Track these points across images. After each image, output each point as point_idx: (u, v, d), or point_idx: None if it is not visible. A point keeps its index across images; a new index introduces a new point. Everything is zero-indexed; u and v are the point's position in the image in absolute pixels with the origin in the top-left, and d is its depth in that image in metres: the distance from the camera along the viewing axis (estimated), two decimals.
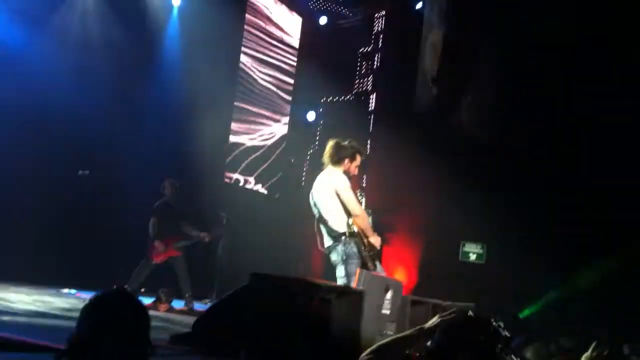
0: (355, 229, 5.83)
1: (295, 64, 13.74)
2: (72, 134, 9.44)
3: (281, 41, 13.42)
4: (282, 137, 13.58)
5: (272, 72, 13.26)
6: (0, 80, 8.95)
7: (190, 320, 6.61)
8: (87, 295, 7.70)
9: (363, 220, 5.90)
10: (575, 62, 10.78)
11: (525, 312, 10.56)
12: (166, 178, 9.25)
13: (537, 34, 11.10)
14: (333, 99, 13.89)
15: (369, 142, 13.27)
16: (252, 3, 12.73)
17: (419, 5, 13.36)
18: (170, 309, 8.40)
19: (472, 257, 12.00)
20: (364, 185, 12.26)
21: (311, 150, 13.59)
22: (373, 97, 13.99)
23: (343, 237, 5.85)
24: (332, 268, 6.03)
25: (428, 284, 10.90)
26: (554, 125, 11.17)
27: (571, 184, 10.65)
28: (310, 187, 6.24)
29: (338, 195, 5.91)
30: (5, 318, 5.32)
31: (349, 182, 6.03)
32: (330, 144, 6.23)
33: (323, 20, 13.84)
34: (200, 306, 9.02)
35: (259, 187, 13.00)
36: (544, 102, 11.28)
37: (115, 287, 2.44)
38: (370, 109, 13.87)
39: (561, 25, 10.69)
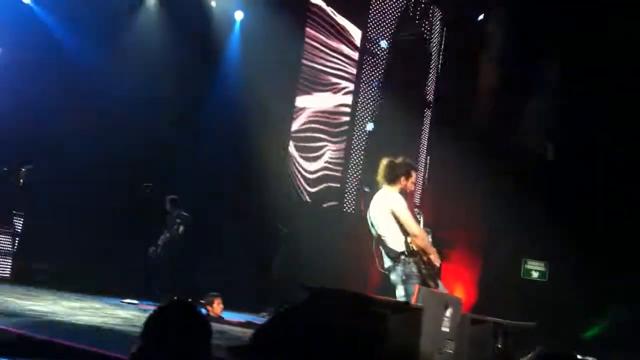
0: (414, 248, 5.75)
1: (355, 75, 13.71)
2: (136, 146, 9.68)
3: (341, 53, 13.44)
4: (341, 151, 13.53)
5: (333, 83, 13.26)
6: (68, 97, 9.25)
7: (245, 332, 6.67)
8: (148, 306, 7.87)
9: (422, 239, 5.83)
10: None
11: (590, 333, 10.24)
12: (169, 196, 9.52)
13: (603, 41, 10.83)
14: (392, 110, 13.79)
15: (427, 156, 13.15)
16: (313, 16, 12.80)
17: (480, 17, 13.20)
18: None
19: (535, 274, 11.73)
20: (418, 203, 12.12)
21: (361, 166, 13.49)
22: (432, 109, 13.88)
23: (402, 257, 5.78)
24: (389, 287, 5.96)
25: (488, 302, 10.69)
26: (621, 139, 10.85)
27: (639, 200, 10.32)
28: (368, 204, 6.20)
29: (395, 216, 5.86)
30: (70, 327, 5.44)
31: (405, 202, 5.96)
32: (384, 162, 6.17)
33: (384, 44, 13.81)
34: (256, 319, 9.05)
35: (318, 200, 13.00)
36: (610, 114, 10.98)
37: (176, 298, 2.45)
38: (428, 121, 13.74)
39: (629, 31, 10.39)
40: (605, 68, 11.04)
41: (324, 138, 13.12)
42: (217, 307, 8.38)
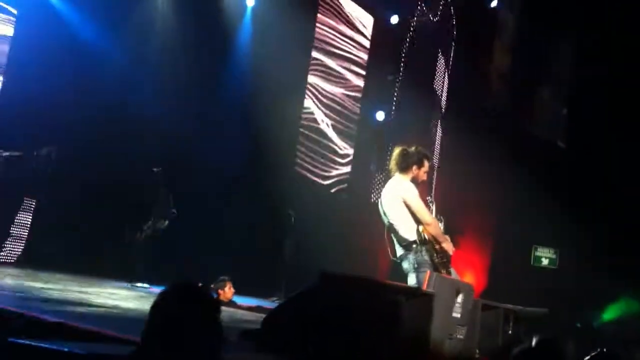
0: (426, 236, 5.75)
1: (366, 62, 13.67)
2: (146, 132, 9.72)
3: (352, 39, 13.39)
4: (352, 139, 13.52)
5: (343, 71, 13.23)
6: (78, 80, 9.28)
7: (256, 317, 6.70)
8: (159, 290, 7.91)
9: (434, 228, 5.82)
10: None
11: (600, 320, 10.24)
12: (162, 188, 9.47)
13: (620, 29, 10.73)
14: (403, 98, 13.76)
15: (438, 142, 13.11)
16: (324, 2, 12.74)
17: (493, 4, 13.06)
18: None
19: (545, 261, 11.73)
20: (433, 190, 12.11)
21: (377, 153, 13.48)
22: (444, 97, 13.83)
23: (414, 246, 5.78)
24: (400, 274, 5.97)
25: (498, 288, 10.69)
26: (633, 126, 10.79)
27: None
28: (379, 192, 6.20)
29: (407, 204, 5.85)
30: (83, 310, 5.49)
31: (416, 190, 5.95)
32: (397, 151, 6.15)
33: (394, 19, 13.71)
34: (266, 303, 9.09)
35: (328, 186, 13.01)
36: (624, 102, 10.91)
37: (184, 280, 2.43)
38: (441, 109, 13.70)
39: None
40: (619, 56, 10.95)
41: (334, 124, 13.10)
42: (228, 291, 8.42)
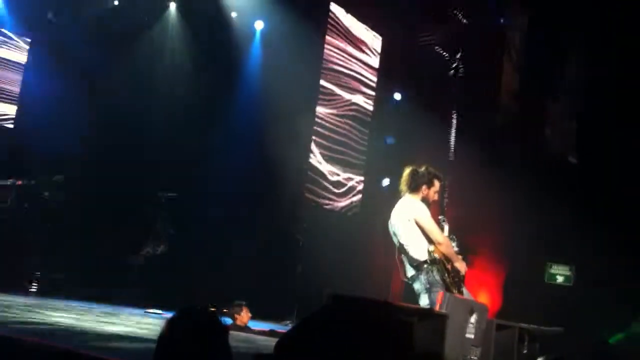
0: (437, 256, 5.73)
1: (375, 83, 13.70)
2: (155, 154, 9.79)
3: (361, 61, 13.43)
4: (362, 159, 13.51)
5: (351, 95, 13.27)
6: (89, 106, 9.39)
7: (269, 341, 6.67)
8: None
9: (447, 247, 5.82)
10: None
11: (616, 338, 10.08)
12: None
13: (630, 44, 10.71)
14: (413, 118, 13.75)
15: (449, 161, 13.07)
16: (333, 24, 12.82)
17: (501, 20, 13.08)
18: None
19: (559, 279, 11.60)
20: (445, 209, 12.05)
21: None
22: (454, 115, 13.81)
23: (425, 266, 5.77)
24: (412, 296, 5.95)
25: (512, 306, 10.59)
26: None
27: None
28: (389, 213, 6.18)
29: (418, 224, 5.84)
30: (96, 339, 5.49)
31: (428, 211, 5.95)
32: (407, 171, 6.16)
33: (401, 38, 13.72)
34: (279, 327, 9.06)
35: (340, 208, 12.99)
36: (635, 115, 10.85)
37: (192, 306, 2.42)
38: (451, 128, 13.67)
39: None
40: (630, 70, 10.92)
41: (346, 144, 13.11)
42: (244, 315, 8.38)
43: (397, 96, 13.62)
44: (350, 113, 13.21)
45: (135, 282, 9.26)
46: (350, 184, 13.12)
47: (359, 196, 13.25)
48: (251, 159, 11.02)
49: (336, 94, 12.88)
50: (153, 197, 9.32)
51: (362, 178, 13.28)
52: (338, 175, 12.91)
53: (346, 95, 13.11)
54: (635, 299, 9.87)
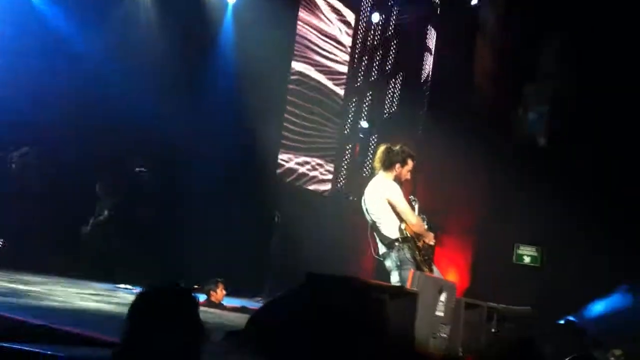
0: (408, 234, 5.79)
1: (348, 62, 13.64)
2: (128, 131, 9.67)
3: (334, 39, 13.36)
4: (335, 139, 13.51)
5: (325, 70, 13.21)
6: (59, 78, 9.20)
7: (241, 317, 6.69)
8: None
9: (418, 227, 5.88)
10: None
11: (583, 318, 10.30)
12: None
13: (607, 30, 10.80)
14: (387, 97, 13.78)
15: (422, 141, 13.14)
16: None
17: (474, 1, 13.10)
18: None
19: (527, 259, 11.80)
20: (416, 188, 12.14)
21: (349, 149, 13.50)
22: (426, 95, 13.87)
23: (396, 244, 5.82)
24: (384, 273, 6.00)
25: (480, 286, 10.76)
26: (616, 124, 10.89)
27: (635, 184, 10.37)
28: (362, 190, 6.21)
29: (390, 203, 5.88)
30: (66, 312, 5.45)
31: (400, 190, 5.99)
32: (381, 149, 6.19)
33: (375, 17, 13.69)
34: (251, 304, 9.08)
35: (313, 186, 13.00)
36: (606, 100, 11.00)
37: (164, 281, 2.41)
38: (423, 107, 13.74)
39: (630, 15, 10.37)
40: (603, 53, 11.04)
41: (318, 121, 13.09)
42: (219, 293, 8.36)
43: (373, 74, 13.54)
44: (324, 89, 13.15)
45: (100, 255, 9.22)
46: (320, 170, 13.13)
47: (330, 179, 13.25)
48: (226, 133, 10.94)
49: (307, 75, 12.79)
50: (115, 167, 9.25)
51: (332, 161, 13.26)
52: (308, 163, 12.90)
53: (317, 76, 13.03)
54: (600, 280, 10.07)
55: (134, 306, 2.31)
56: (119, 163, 9.58)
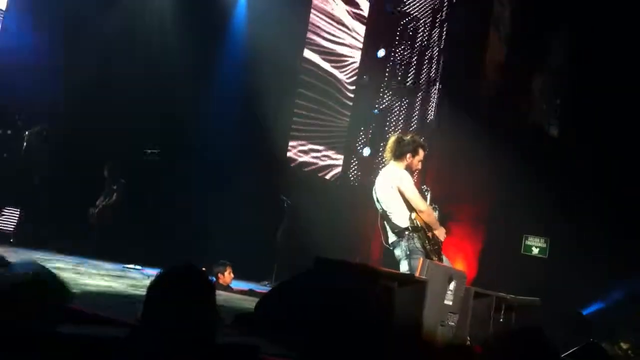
0: (418, 223, 5.80)
1: (360, 50, 13.59)
2: (140, 120, 9.71)
3: (348, 26, 13.31)
4: (344, 128, 13.48)
5: (337, 58, 13.17)
6: (67, 57, 9.21)
7: (250, 301, 6.72)
8: (152, 272, 7.93)
9: (428, 215, 5.88)
10: None
11: (590, 309, 10.32)
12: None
13: (615, 20, 10.75)
14: (399, 86, 13.73)
15: (432, 130, 13.11)
16: None
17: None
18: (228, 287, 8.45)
19: (535, 250, 11.80)
20: (426, 178, 12.13)
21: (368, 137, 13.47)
22: (437, 85, 13.82)
23: (406, 233, 5.83)
24: (392, 261, 6.02)
25: (488, 276, 10.77)
26: (627, 117, 10.85)
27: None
28: (373, 179, 6.24)
29: (401, 192, 5.89)
30: (76, 291, 5.49)
31: (411, 178, 6.01)
32: (392, 139, 6.23)
33: (389, 6, 13.59)
34: (258, 287, 9.12)
35: (322, 173, 13.02)
36: (616, 92, 10.95)
37: (182, 263, 2.42)
38: (435, 97, 13.70)
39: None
40: (612, 48, 10.98)
41: (329, 111, 13.07)
42: (227, 276, 8.41)
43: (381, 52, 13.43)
44: (336, 76, 13.11)
45: (108, 236, 9.30)
46: (328, 161, 13.12)
47: (339, 169, 13.24)
48: (236, 120, 10.95)
49: (317, 64, 12.75)
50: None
51: (341, 150, 13.25)
52: (318, 150, 12.90)
53: (332, 60, 13.01)
54: (610, 273, 10.08)
55: (153, 287, 2.33)
56: (129, 145, 9.58)
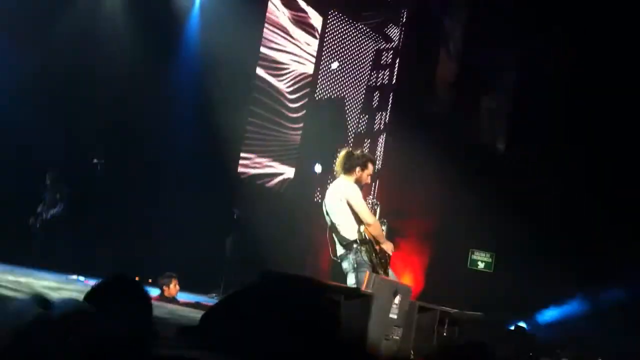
0: (367, 236, 5.84)
1: (314, 63, 13.61)
2: (87, 122, 9.54)
3: (300, 40, 13.32)
4: (296, 142, 13.48)
5: (290, 70, 13.17)
6: (20, 61, 9.01)
7: (194, 313, 6.64)
8: (94, 283, 7.76)
9: (376, 229, 5.93)
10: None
11: (533, 325, 10.52)
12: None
13: (565, 36, 11.04)
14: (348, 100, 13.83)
15: (382, 146, 13.24)
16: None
17: (438, 12, 13.25)
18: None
19: (481, 265, 11.99)
20: (376, 193, 12.22)
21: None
22: (389, 101, 13.97)
23: (354, 246, 5.87)
24: (340, 274, 6.04)
25: (434, 290, 10.90)
26: (570, 135, 11.15)
27: (586, 193, 10.62)
28: (322, 192, 6.28)
29: (350, 205, 5.94)
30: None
31: (360, 192, 6.06)
32: (342, 153, 6.30)
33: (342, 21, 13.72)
34: (205, 300, 9.03)
35: (271, 183, 12.98)
36: (561, 111, 11.25)
37: (116, 274, 2.40)
38: (386, 113, 13.84)
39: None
40: (559, 66, 11.29)
41: (280, 122, 13.06)
42: (173, 288, 8.29)
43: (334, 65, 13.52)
44: (288, 89, 13.11)
45: (52, 246, 9.07)
46: (280, 177, 13.11)
47: (289, 181, 13.22)
48: (187, 130, 10.85)
49: (276, 69, 12.75)
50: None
51: (292, 169, 13.24)
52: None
53: (284, 72, 13.00)
54: (552, 287, 10.31)
55: (86, 298, 2.29)
56: (72, 153, 9.40)
